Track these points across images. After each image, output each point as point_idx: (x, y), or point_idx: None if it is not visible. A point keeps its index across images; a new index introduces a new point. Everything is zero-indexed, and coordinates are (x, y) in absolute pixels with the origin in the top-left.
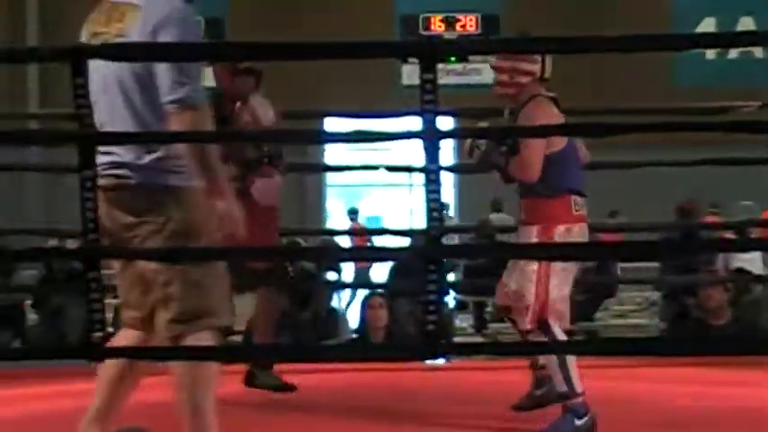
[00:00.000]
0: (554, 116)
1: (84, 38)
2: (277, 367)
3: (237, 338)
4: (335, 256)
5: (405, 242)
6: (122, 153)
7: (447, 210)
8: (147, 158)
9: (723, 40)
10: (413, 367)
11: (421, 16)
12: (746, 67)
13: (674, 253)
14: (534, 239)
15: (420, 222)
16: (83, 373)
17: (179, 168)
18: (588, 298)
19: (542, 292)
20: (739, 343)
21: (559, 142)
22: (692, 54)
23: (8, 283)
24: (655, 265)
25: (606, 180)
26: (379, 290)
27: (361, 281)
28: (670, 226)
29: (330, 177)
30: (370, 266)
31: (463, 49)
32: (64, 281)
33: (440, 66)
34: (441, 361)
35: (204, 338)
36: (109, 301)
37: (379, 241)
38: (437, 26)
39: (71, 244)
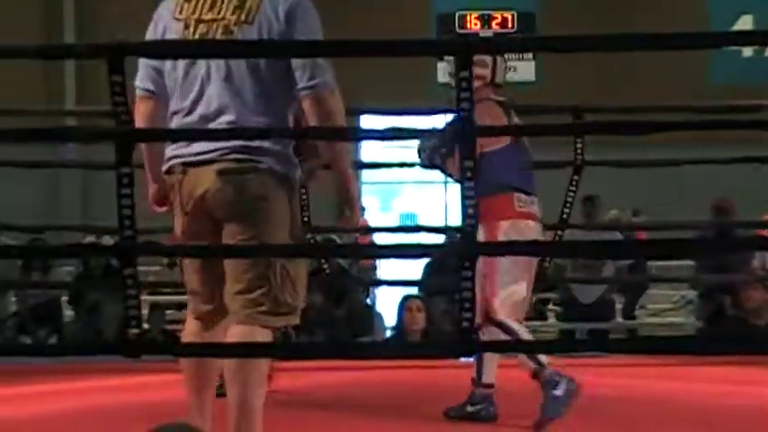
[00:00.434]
0: (497, 118)
1: (171, 25)
2: (291, 365)
3: None
4: (370, 254)
5: (440, 239)
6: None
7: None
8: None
9: (760, 37)
10: (448, 365)
11: (457, 14)
12: None
13: (710, 251)
14: (482, 238)
15: (455, 219)
16: (119, 370)
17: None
18: (627, 297)
19: (488, 287)
20: None
21: (498, 141)
22: (729, 52)
23: (45, 279)
24: (690, 263)
25: (636, 177)
26: (417, 291)
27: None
28: (706, 224)
29: (365, 174)
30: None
31: (499, 46)
32: (100, 277)
33: None
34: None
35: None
36: (144, 297)
37: (414, 238)
38: (473, 24)
39: (107, 241)
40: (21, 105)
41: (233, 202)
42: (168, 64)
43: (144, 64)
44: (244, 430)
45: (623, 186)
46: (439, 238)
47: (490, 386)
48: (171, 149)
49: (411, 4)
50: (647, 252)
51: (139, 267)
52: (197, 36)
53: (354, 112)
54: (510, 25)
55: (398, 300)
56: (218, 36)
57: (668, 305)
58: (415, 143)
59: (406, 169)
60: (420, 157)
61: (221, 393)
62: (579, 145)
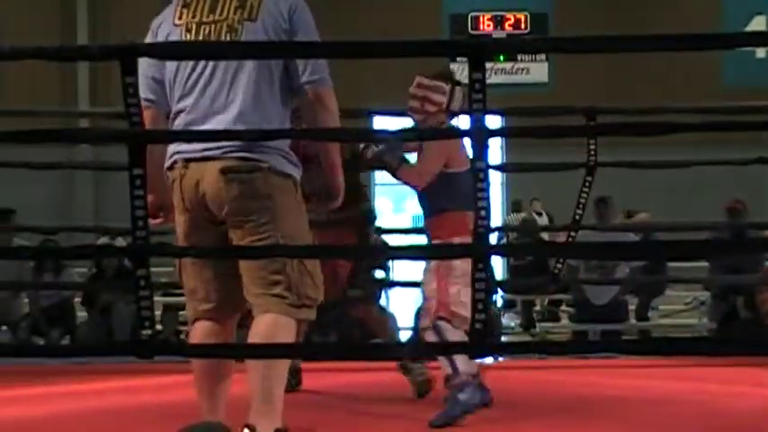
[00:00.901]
0: (448, 145)
1: (171, 31)
2: (305, 366)
3: None
4: (384, 255)
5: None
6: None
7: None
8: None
9: None
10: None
11: (470, 15)
12: None
13: (724, 253)
14: None
15: None
16: (132, 371)
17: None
18: (641, 299)
19: (439, 291)
20: None
21: (463, 164)
22: (742, 53)
23: (58, 280)
24: (704, 264)
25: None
26: None
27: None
28: (720, 226)
29: (378, 176)
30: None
31: (512, 47)
32: (113, 278)
33: (488, 65)
34: (488, 360)
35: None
36: (157, 298)
37: (426, 240)
38: (486, 25)
39: (120, 242)
40: (35, 107)
41: (237, 201)
42: (170, 64)
43: (142, 75)
44: (264, 413)
45: (635, 188)
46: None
47: (472, 375)
48: (174, 146)
49: (423, 5)
50: (661, 254)
51: (152, 268)
52: (200, 38)
53: (366, 114)
54: (523, 26)
55: (415, 302)
56: (223, 35)
57: (681, 306)
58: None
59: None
60: (365, 154)
61: None
62: (592, 146)
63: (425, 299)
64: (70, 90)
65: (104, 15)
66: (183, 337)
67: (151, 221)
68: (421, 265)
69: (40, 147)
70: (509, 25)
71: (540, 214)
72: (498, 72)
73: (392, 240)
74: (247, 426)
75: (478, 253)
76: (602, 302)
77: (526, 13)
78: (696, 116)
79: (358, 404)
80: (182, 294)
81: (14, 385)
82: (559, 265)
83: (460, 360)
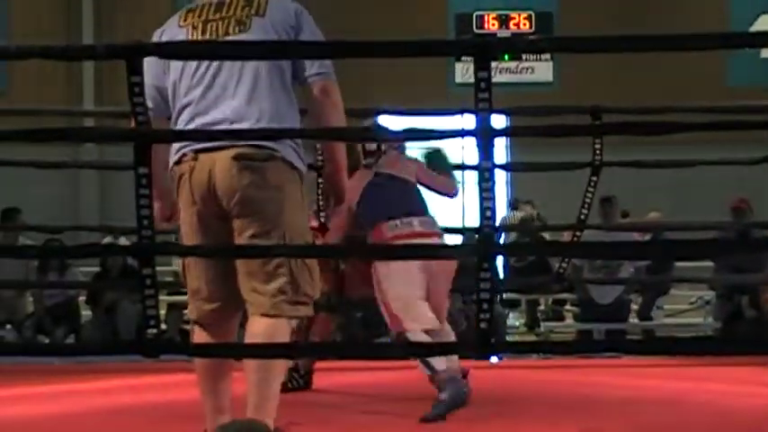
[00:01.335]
0: (356, 181)
1: (176, 32)
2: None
3: None
4: (387, 254)
5: (457, 240)
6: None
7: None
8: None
9: None
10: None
11: (475, 14)
12: None
13: (729, 252)
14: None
15: (473, 221)
16: (137, 370)
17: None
18: (645, 298)
19: (380, 294)
20: None
21: (354, 196)
22: (747, 53)
23: (62, 279)
24: (709, 264)
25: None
26: None
27: None
28: (725, 225)
29: None
30: None
31: (517, 47)
32: (118, 277)
33: (493, 64)
34: (493, 359)
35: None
36: (162, 297)
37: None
38: (491, 24)
39: (123, 241)
40: (40, 106)
41: (248, 189)
42: (173, 62)
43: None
44: (261, 412)
45: (639, 187)
46: (456, 239)
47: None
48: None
49: (428, 4)
50: (665, 253)
51: (157, 267)
52: (207, 35)
53: (370, 113)
54: (528, 26)
55: None
56: (232, 28)
57: (686, 306)
58: (431, 144)
59: None
60: None
61: None
62: (598, 146)
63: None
64: (76, 89)
65: (110, 15)
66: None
67: (164, 224)
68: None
69: (46, 146)
70: (514, 24)
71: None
72: (503, 71)
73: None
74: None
75: (482, 252)
76: (607, 302)
77: (531, 13)
78: (701, 116)
79: (360, 404)
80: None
81: (19, 384)
82: (564, 265)
83: (437, 358)
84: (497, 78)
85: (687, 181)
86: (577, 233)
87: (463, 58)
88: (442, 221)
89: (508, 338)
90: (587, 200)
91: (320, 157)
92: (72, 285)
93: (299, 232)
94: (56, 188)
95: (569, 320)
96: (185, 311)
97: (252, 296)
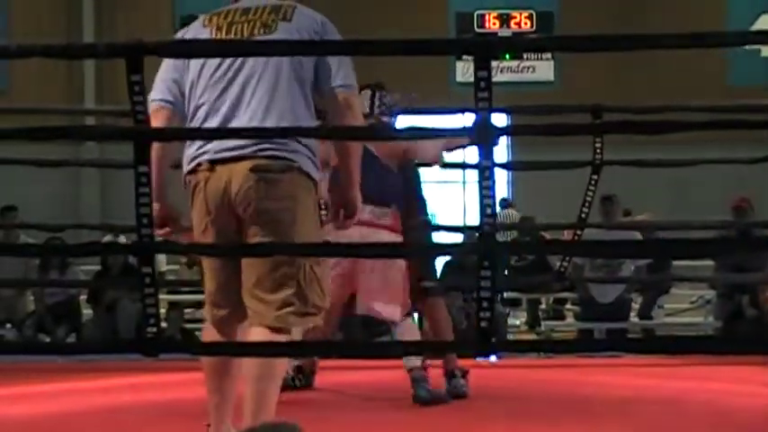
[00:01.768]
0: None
1: (200, 33)
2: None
3: None
4: (389, 253)
5: (458, 239)
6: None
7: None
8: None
9: None
10: (470, 364)
11: (476, 13)
12: None
13: (730, 251)
14: None
15: (473, 219)
16: (137, 368)
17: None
18: (646, 297)
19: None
20: None
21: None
22: (748, 52)
23: (63, 278)
24: (710, 263)
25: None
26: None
27: None
28: (725, 224)
29: None
30: None
31: (517, 46)
32: (118, 276)
33: (494, 63)
34: (493, 358)
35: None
36: (163, 296)
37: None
38: (492, 23)
39: (122, 239)
40: (41, 104)
41: (263, 200)
42: (195, 61)
43: (163, 79)
44: (258, 418)
45: (640, 186)
46: (457, 238)
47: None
48: (196, 148)
49: (429, 3)
50: (667, 252)
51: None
52: (232, 35)
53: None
54: (529, 25)
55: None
56: (257, 30)
57: (686, 305)
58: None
59: (423, 169)
60: None
61: None
62: (598, 144)
63: None
64: (77, 88)
65: (110, 14)
66: (197, 334)
67: (157, 232)
68: None
69: (47, 144)
70: (515, 23)
71: None
72: (504, 70)
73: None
74: None
75: (483, 251)
76: (608, 301)
77: (532, 12)
78: (702, 114)
79: (359, 403)
80: (186, 292)
81: (20, 383)
82: (565, 264)
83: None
84: (499, 77)
85: (688, 180)
86: (578, 232)
87: (464, 57)
88: (443, 219)
89: (509, 337)
90: (588, 199)
91: None
92: (73, 284)
93: (311, 241)
94: (57, 186)
95: (570, 319)
96: (186, 310)
97: (255, 304)
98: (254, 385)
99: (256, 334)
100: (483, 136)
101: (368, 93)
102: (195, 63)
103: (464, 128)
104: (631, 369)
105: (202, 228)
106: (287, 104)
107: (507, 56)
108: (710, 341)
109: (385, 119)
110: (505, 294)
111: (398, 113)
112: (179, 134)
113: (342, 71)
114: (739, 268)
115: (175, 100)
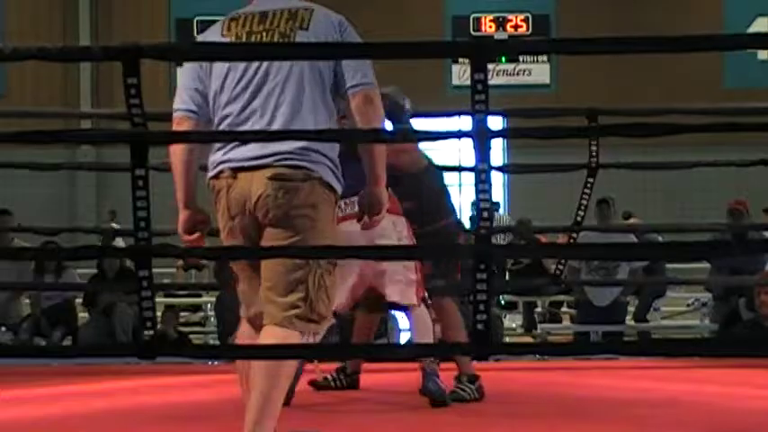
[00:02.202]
0: None
1: (221, 40)
2: (307, 366)
3: None
4: (387, 255)
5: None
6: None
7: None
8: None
9: None
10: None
11: (471, 16)
12: None
13: (726, 254)
14: None
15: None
16: (133, 371)
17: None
18: (642, 300)
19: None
20: None
21: None
22: (744, 55)
23: (58, 281)
24: (705, 266)
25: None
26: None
27: None
28: (721, 227)
29: None
30: None
31: (513, 49)
32: (115, 279)
33: (490, 66)
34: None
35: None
36: (159, 299)
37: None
38: (487, 26)
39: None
40: (37, 108)
41: (282, 207)
42: (218, 71)
43: (185, 87)
44: (261, 420)
45: (638, 189)
46: None
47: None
48: (220, 155)
49: (425, 6)
50: (663, 255)
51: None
52: None
53: None
54: (525, 28)
55: None
56: (275, 40)
57: (683, 308)
58: (431, 146)
59: None
60: None
61: None
62: (594, 148)
63: None
64: (73, 91)
65: (106, 16)
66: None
67: (187, 238)
68: None
69: (43, 147)
70: (511, 26)
71: None
72: (500, 73)
73: None
74: None
75: (480, 254)
76: (604, 304)
77: (528, 15)
78: (698, 117)
79: (359, 404)
80: (182, 295)
81: (16, 386)
82: (561, 267)
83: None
84: (495, 80)
85: (685, 182)
86: (573, 235)
87: (460, 60)
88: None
89: (505, 340)
90: (583, 202)
91: None
92: (69, 287)
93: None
94: (52, 190)
95: (566, 322)
96: (182, 313)
97: (267, 306)
98: (260, 384)
99: (266, 333)
100: (479, 139)
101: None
102: (217, 73)
103: (460, 131)
104: (627, 372)
105: (225, 231)
106: (310, 117)
107: (503, 59)
108: (707, 344)
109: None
110: (502, 297)
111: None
112: (177, 138)
113: (360, 70)
114: (735, 271)
115: (199, 109)
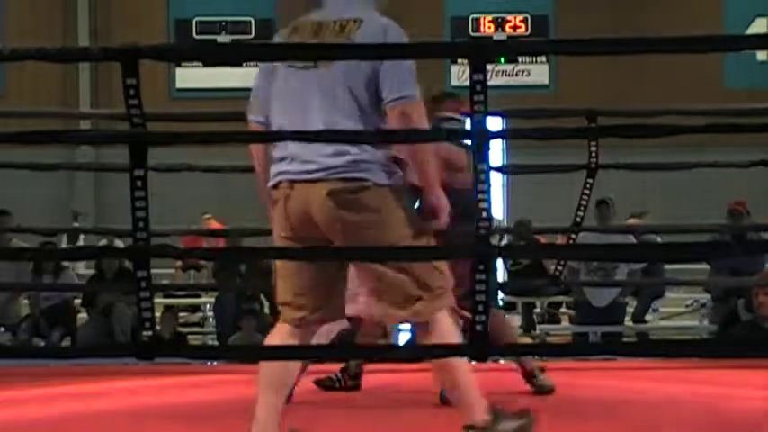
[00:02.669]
0: None
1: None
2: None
3: None
4: (386, 256)
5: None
6: (357, 152)
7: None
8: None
9: None
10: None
11: (470, 17)
12: None
13: (725, 254)
14: None
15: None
16: (132, 372)
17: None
18: (640, 301)
19: None
20: None
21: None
22: (744, 55)
23: (57, 282)
24: (705, 267)
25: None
26: None
27: None
28: (721, 228)
29: None
30: None
31: (512, 50)
32: (113, 280)
33: (489, 67)
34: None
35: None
36: (157, 300)
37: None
38: (486, 27)
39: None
40: (36, 108)
41: (346, 222)
42: (277, 83)
43: (255, 97)
44: (467, 409)
45: (637, 189)
46: None
47: None
48: (278, 167)
49: (424, 7)
50: (662, 256)
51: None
52: (298, 62)
53: None
54: (524, 28)
55: None
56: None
57: (682, 308)
58: None
59: None
60: None
61: None
62: (593, 148)
63: None
64: (71, 92)
65: (105, 17)
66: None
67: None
68: None
69: (42, 148)
70: (510, 27)
71: None
72: (499, 74)
73: None
74: (466, 427)
75: (480, 254)
76: (603, 305)
77: (527, 16)
78: (698, 118)
79: (359, 405)
80: (180, 296)
81: (15, 387)
82: (560, 267)
83: None
84: (494, 81)
85: (685, 183)
86: (572, 236)
87: (459, 61)
88: None
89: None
90: (583, 202)
91: None
92: (68, 288)
93: (408, 243)
94: (51, 190)
95: (565, 323)
96: (181, 314)
97: (391, 310)
98: (444, 375)
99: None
100: (479, 139)
101: None
102: (276, 84)
103: (460, 131)
104: (625, 372)
105: (282, 237)
106: (350, 127)
107: (502, 59)
108: (705, 345)
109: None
110: (500, 298)
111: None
112: (175, 139)
113: (397, 83)
114: (735, 272)
115: (266, 120)
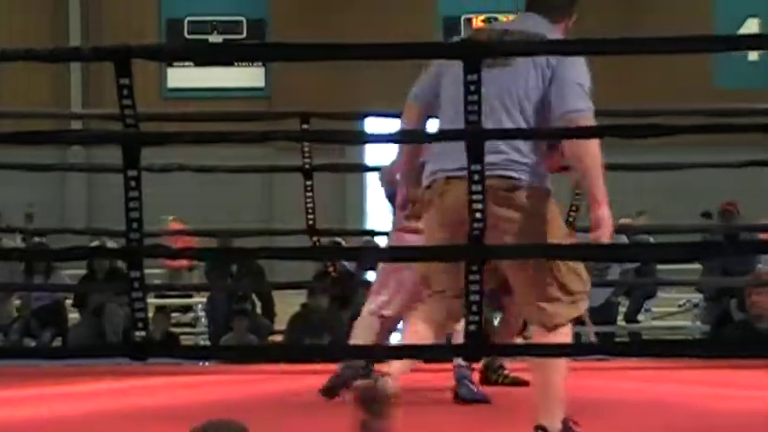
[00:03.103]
0: None
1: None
2: (299, 368)
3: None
4: (376, 257)
5: None
6: (511, 153)
7: None
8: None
9: (765, 41)
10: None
11: (462, 17)
12: None
13: (717, 254)
14: None
15: None
16: (124, 372)
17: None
18: (632, 300)
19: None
20: None
21: None
22: (734, 55)
23: (49, 282)
24: (697, 267)
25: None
26: None
27: None
28: (712, 228)
29: (371, 178)
30: None
31: (506, 49)
32: (105, 280)
33: None
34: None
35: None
36: (151, 300)
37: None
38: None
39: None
40: (28, 109)
41: (496, 218)
42: (443, 83)
43: (422, 80)
44: (544, 411)
45: (628, 190)
46: None
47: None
48: (435, 164)
49: (416, 7)
50: (655, 256)
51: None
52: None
53: (360, 116)
54: None
55: None
56: (498, 63)
57: (674, 308)
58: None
59: None
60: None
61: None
62: None
63: None
64: (63, 92)
65: (97, 17)
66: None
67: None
68: None
69: (33, 148)
70: None
71: None
72: None
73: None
74: (538, 426)
75: (474, 255)
76: (595, 304)
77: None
78: (689, 118)
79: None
80: (173, 296)
81: (5, 387)
82: None
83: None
84: None
85: (677, 183)
86: None
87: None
88: None
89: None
90: (575, 202)
91: (307, 160)
92: (59, 288)
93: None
94: (42, 190)
95: None
96: (173, 314)
97: (528, 309)
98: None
99: (538, 336)
100: (473, 139)
101: None
102: (444, 85)
103: (455, 132)
104: (616, 372)
105: (434, 233)
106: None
107: None
108: (698, 345)
109: None
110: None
111: None
112: (168, 138)
113: (566, 97)
114: (727, 272)
115: (423, 96)
